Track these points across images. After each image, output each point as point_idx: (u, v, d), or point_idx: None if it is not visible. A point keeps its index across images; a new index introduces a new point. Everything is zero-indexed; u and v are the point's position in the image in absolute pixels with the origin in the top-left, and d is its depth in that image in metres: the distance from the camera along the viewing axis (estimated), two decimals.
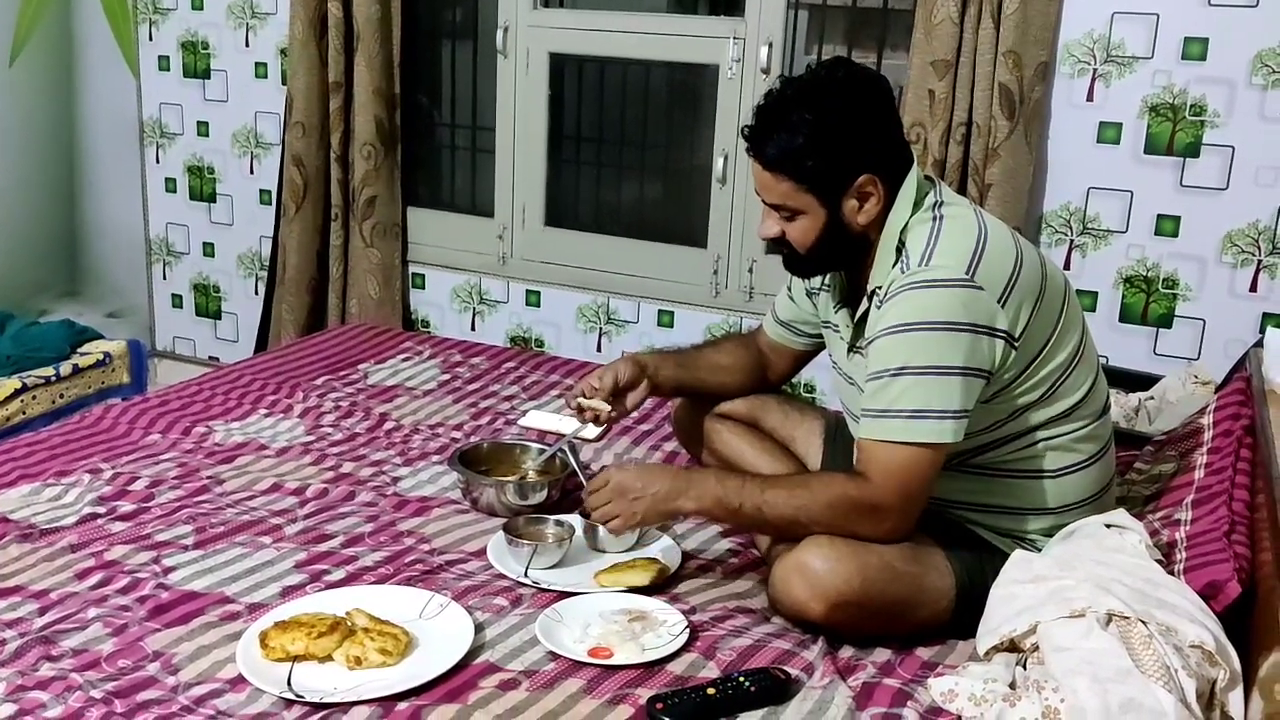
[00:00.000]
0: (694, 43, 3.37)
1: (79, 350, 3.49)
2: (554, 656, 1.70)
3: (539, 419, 2.65)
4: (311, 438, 2.50)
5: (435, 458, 2.42)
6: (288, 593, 1.86)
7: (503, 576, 1.93)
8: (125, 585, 1.85)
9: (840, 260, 1.91)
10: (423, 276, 3.82)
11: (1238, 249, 2.86)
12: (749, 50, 3.26)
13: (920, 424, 1.71)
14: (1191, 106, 2.83)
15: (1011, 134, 2.88)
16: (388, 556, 1.99)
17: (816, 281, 2.06)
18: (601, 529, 2.00)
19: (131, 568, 1.90)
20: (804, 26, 3.40)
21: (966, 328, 1.71)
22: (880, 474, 1.74)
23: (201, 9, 3.88)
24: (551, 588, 1.90)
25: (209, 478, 2.27)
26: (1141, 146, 2.90)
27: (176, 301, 4.22)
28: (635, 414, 2.32)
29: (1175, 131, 2.86)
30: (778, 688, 1.62)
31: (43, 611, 1.77)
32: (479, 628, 1.76)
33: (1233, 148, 2.81)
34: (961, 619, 1.77)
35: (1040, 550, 1.83)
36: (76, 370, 3.38)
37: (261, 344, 3.91)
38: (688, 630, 1.76)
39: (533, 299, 3.67)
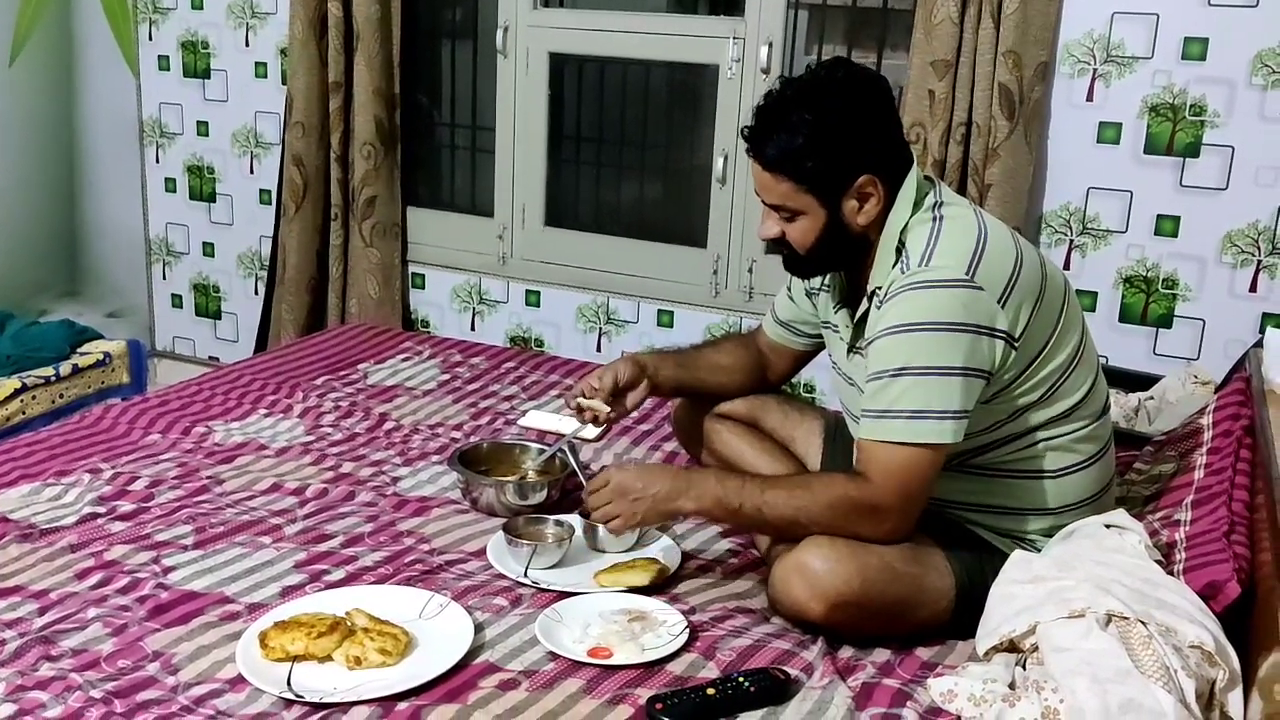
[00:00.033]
0: (694, 43, 3.37)
1: (79, 350, 3.49)
2: (554, 656, 1.70)
3: (539, 419, 2.65)
4: (311, 438, 2.50)
5: (435, 458, 2.42)
6: (287, 593, 1.86)
7: (502, 576, 1.94)
8: (125, 585, 1.85)
9: (840, 261, 1.91)
10: (422, 276, 3.82)
11: (1237, 249, 2.86)
12: (749, 50, 3.26)
13: (920, 424, 1.71)
14: (1191, 106, 2.83)
15: (1011, 134, 2.88)
16: (387, 556, 1.99)
17: (816, 282, 2.06)
18: (601, 529, 2.00)
19: (131, 568, 1.90)
20: (804, 26, 3.40)
21: (966, 328, 1.71)
22: (880, 474, 1.74)
23: (201, 9, 3.88)
24: (551, 588, 1.90)
25: (209, 478, 2.27)
26: (1141, 146, 2.90)
27: (176, 301, 4.22)
28: (635, 414, 2.32)
29: (1175, 131, 2.86)
30: (777, 688, 1.62)
31: (42, 611, 1.77)
32: (479, 628, 1.76)
33: (1232, 148, 2.81)
34: (961, 619, 1.77)
35: (1040, 550, 1.83)
36: (76, 370, 3.38)
37: (261, 344, 3.91)
38: (687, 630, 1.76)
39: (532, 299, 3.67)
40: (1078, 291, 2.21)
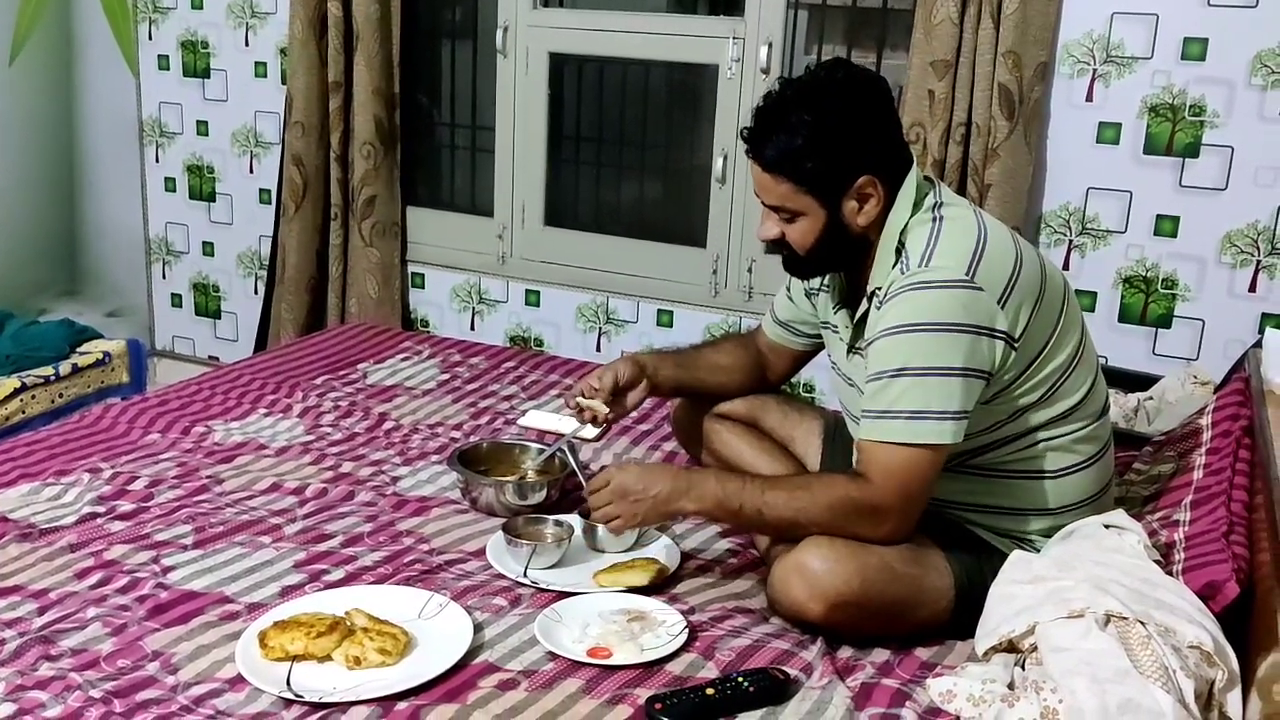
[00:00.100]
0: (694, 42, 3.37)
1: (78, 350, 3.49)
2: (553, 656, 1.70)
3: (538, 419, 2.65)
4: (311, 437, 2.51)
5: (434, 457, 2.42)
6: (287, 592, 1.86)
7: (502, 576, 1.94)
8: (124, 585, 1.85)
9: (840, 261, 1.92)
10: (422, 276, 3.82)
11: (1237, 249, 2.86)
12: (748, 50, 3.27)
13: (920, 425, 1.71)
14: (1191, 107, 2.83)
15: (1011, 134, 2.88)
16: (387, 556, 1.99)
17: (816, 282, 2.06)
18: (600, 529, 2.00)
19: (131, 567, 1.90)
20: (804, 26, 3.40)
21: (966, 328, 1.71)
22: (880, 475, 1.74)
23: (201, 8, 3.88)
24: (550, 588, 1.90)
25: (208, 477, 2.27)
26: (1141, 147, 2.90)
27: (176, 301, 4.22)
28: (635, 414, 2.32)
29: (1175, 132, 2.86)
30: (776, 688, 1.62)
31: (42, 611, 1.77)
32: (478, 627, 1.76)
33: (1232, 148, 2.81)
34: (960, 619, 1.78)
35: (1039, 551, 1.83)
36: (76, 370, 3.38)
37: (261, 343, 3.91)
38: (687, 630, 1.76)
39: (532, 298, 3.67)
40: (1077, 291, 2.22)
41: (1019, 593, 1.67)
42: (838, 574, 1.72)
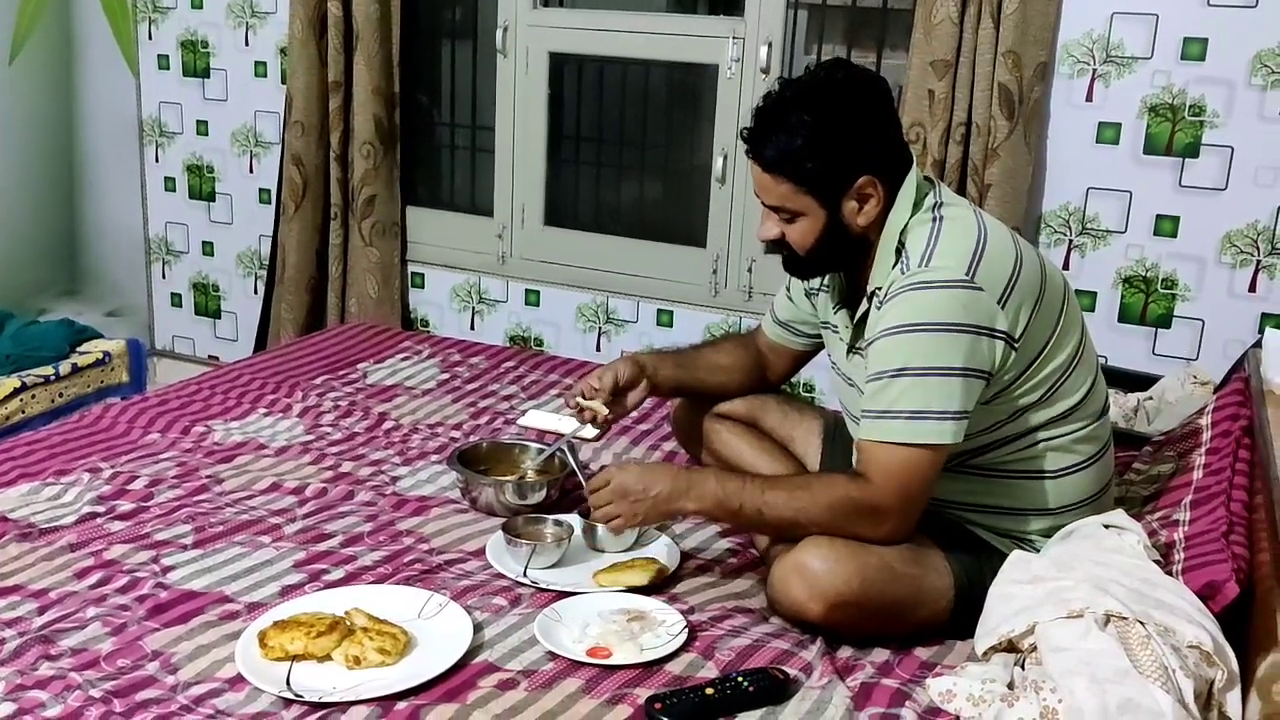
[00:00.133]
0: (693, 42, 3.37)
1: (78, 349, 3.48)
2: (553, 656, 1.70)
3: (538, 418, 2.65)
4: (311, 437, 2.51)
5: (434, 457, 2.42)
6: (287, 592, 1.86)
7: (501, 576, 1.94)
8: (124, 584, 1.85)
9: (840, 261, 1.92)
10: (422, 276, 3.82)
11: (1237, 249, 2.86)
12: (748, 50, 3.27)
13: (920, 425, 1.71)
14: (1191, 107, 2.83)
15: (1011, 134, 2.88)
16: (387, 556, 1.99)
17: (816, 282, 2.06)
18: (600, 528, 2.01)
19: (130, 567, 1.90)
20: (803, 26, 3.40)
21: (966, 328, 1.71)
22: (880, 475, 1.74)
23: (201, 8, 3.88)
24: (550, 587, 1.90)
25: (208, 477, 2.27)
26: (1141, 147, 2.90)
27: (176, 300, 4.22)
28: (635, 414, 2.32)
29: (1174, 132, 2.86)
30: (776, 688, 1.62)
31: (42, 611, 1.77)
32: (478, 627, 1.76)
33: (1232, 148, 2.81)
34: (960, 619, 1.78)
35: (1039, 551, 1.83)
36: (76, 369, 3.38)
37: (261, 343, 3.91)
38: (686, 630, 1.76)
39: (532, 298, 3.67)
40: (1077, 291, 2.22)
41: (1018, 593, 1.67)
42: (837, 574, 1.72)
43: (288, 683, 1.59)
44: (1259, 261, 2.84)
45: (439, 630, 1.73)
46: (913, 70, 2.97)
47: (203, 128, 3.99)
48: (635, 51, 3.50)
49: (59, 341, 3.45)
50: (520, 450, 2.35)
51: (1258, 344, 2.24)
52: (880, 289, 1.81)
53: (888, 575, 1.74)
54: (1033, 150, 2.93)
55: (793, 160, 1.78)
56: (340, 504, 2.19)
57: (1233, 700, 1.50)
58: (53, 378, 3.31)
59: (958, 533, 1.87)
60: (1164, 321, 2.96)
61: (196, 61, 3.94)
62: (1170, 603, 1.56)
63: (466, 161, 3.95)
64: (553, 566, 1.97)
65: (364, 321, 3.55)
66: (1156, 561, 1.71)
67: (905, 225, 1.81)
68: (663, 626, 1.77)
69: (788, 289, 2.17)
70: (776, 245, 1.90)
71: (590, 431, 2.19)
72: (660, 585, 1.92)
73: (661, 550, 2.02)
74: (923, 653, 1.76)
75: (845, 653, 1.74)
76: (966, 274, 1.73)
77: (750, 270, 3.39)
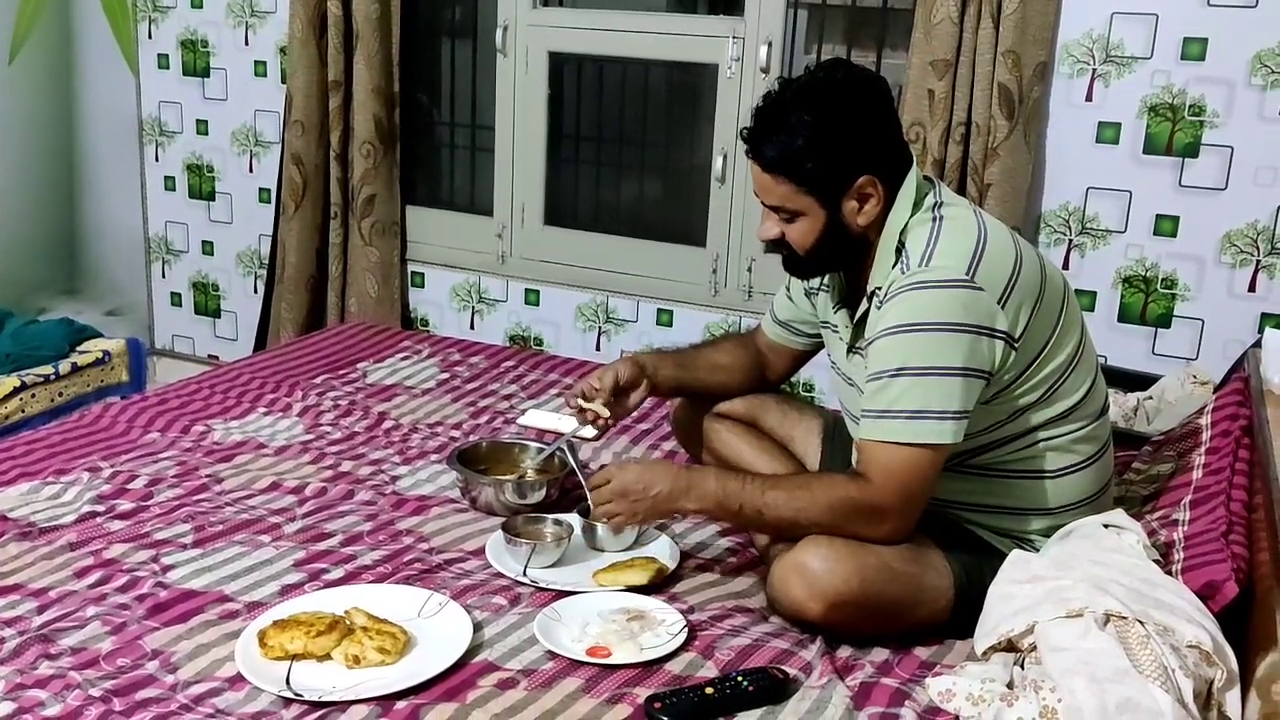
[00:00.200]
0: (693, 42, 3.37)
1: (78, 348, 3.48)
2: (552, 655, 1.70)
3: (538, 418, 2.65)
4: (310, 436, 2.51)
5: (434, 457, 2.42)
6: (286, 591, 1.86)
7: (501, 575, 1.94)
8: (124, 584, 1.85)
9: (840, 261, 1.92)
10: (422, 275, 3.82)
11: (1236, 249, 2.86)
12: (748, 49, 3.27)
13: (920, 424, 1.71)
14: (1190, 107, 2.83)
15: (1011, 134, 2.88)
16: (386, 555, 1.99)
17: (815, 282, 2.06)
18: (600, 528, 2.01)
19: (130, 566, 1.90)
20: (803, 26, 3.40)
21: (966, 328, 1.71)
22: (881, 475, 1.74)
23: (201, 7, 3.88)
24: (550, 587, 1.90)
25: (208, 476, 2.27)
26: (1140, 146, 2.90)
27: (175, 300, 4.22)
28: (634, 414, 2.31)
29: (1174, 131, 2.86)
30: (776, 687, 1.62)
31: (41, 610, 1.77)
32: (477, 627, 1.76)
33: (1231, 148, 2.81)
34: (960, 619, 1.78)
35: (1038, 550, 1.83)
36: (75, 368, 3.38)
37: (260, 342, 3.91)
38: (686, 629, 1.76)
39: (532, 298, 3.67)
40: (1077, 291, 2.22)
41: (1018, 592, 1.67)
42: (837, 573, 1.72)
43: (287, 682, 1.59)
44: (1259, 261, 2.84)
45: (439, 630, 1.73)
46: (913, 70, 2.97)
47: (203, 127, 3.99)
48: (635, 51, 3.50)
49: (59, 340, 3.45)
50: (520, 450, 2.35)
51: (1257, 344, 2.24)
52: (880, 289, 1.80)
53: (887, 575, 1.74)
54: (1032, 150, 2.93)
55: (793, 160, 1.78)
56: (340, 503, 2.19)
57: (1232, 700, 1.50)
58: (52, 377, 3.31)
59: (957, 532, 1.87)
60: (1164, 321, 2.97)
61: (196, 61, 3.94)
62: (1170, 602, 1.57)
63: (466, 161, 3.95)
64: (552, 566, 1.97)
65: (364, 321, 3.55)
66: (1156, 561, 1.71)
67: (905, 225, 1.81)
68: (662, 626, 1.77)
69: (787, 288, 2.17)
70: (776, 245, 1.90)
71: (590, 431, 2.19)
72: (660, 585, 1.92)
73: (661, 550, 2.02)
74: (922, 652, 1.76)
75: (845, 652, 1.74)
76: (966, 274, 1.73)
77: (750, 270, 3.39)
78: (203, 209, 4.07)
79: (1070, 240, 3.01)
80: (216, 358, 4.14)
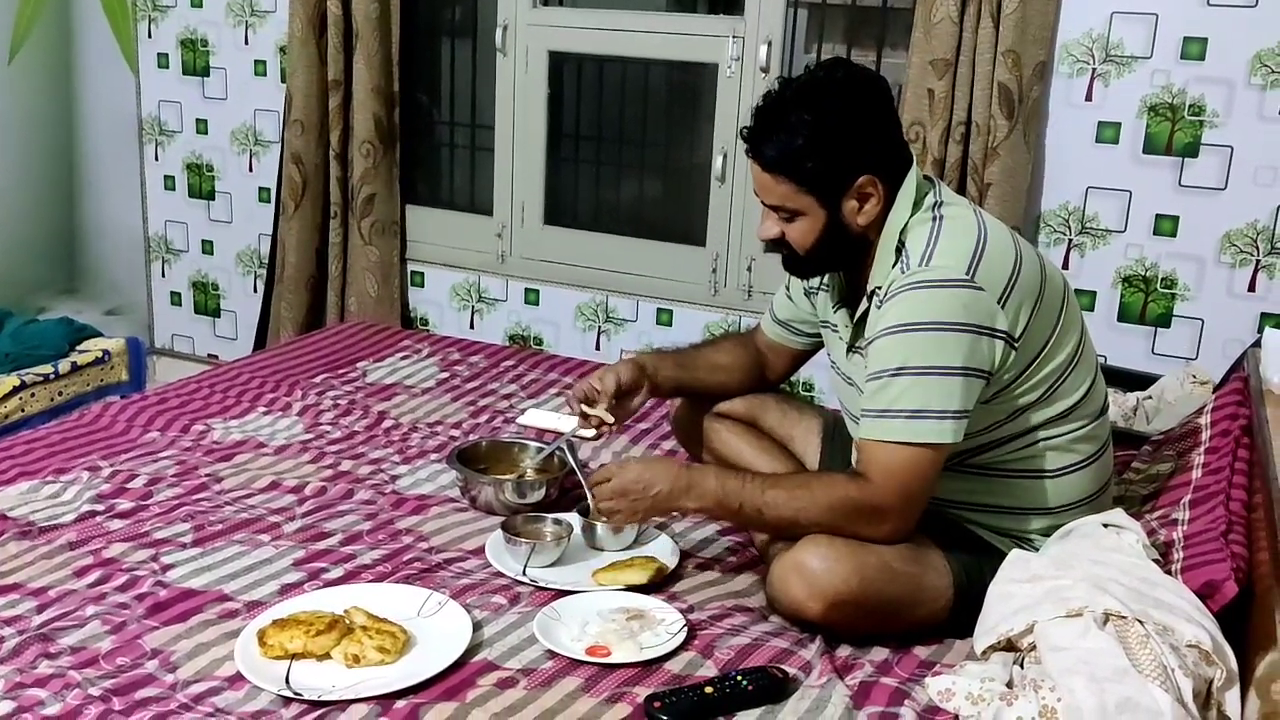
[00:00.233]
0: (693, 41, 3.37)
1: (78, 348, 3.49)
2: (552, 655, 1.70)
3: (537, 417, 2.65)
4: (310, 436, 2.51)
5: (434, 456, 2.42)
6: (286, 590, 1.86)
7: (501, 575, 1.94)
8: (124, 583, 1.85)
9: (840, 261, 1.91)
10: (421, 274, 3.82)
11: (1236, 249, 2.86)
12: (748, 49, 3.27)
13: (920, 424, 1.71)
14: (1190, 106, 2.83)
15: (1010, 133, 2.89)
16: (386, 555, 1.99)
17: (815, 281, 2.06)
18: (600, 527, 2.01)
19: (130, 565, 1.90)
20: (803, 25, 3.40)
21: (966, 328, 1.71)
22: (881, 474, 1.74)
23: (201, 6, 3.88)
24: (550, 586, 1.90)
25: (207, 475, 2.27)
26: (1140, 146, 2.90)
27: (175, 299, 4.22)
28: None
29: (1174, 131, 2.86)
30: (775, 686, 1.62)
31: (41, 609, 1.77)
32: (477, 626, 1.76)
33: (1231, 148, 2.81)
34: (959, 618, 1.78)
35: (1038, 550, 1.83)
36: (75, 368, 3.38)
37: (260, 342, 3.91)
38: (685, 629, 1.76)
39: (531, 297, 3.67)
40: (1076, 291, 2.22)
41: (1017, 591, 1.67)
42: (836, 573, 1.72)
43: (287, 681, 1.59)
44: (1258, 261, 2.85)
45: (438, 629, 1.73)
46: (912, 69, 2.97)
47: (202, 126, 3.99)
48: (635, 50, 3.50)
49: (58, 340, 3.45)
50: (519, 449, 2.35)
51: (1257, 343, 2.24)
52: (880, 288, 1.80)
53: (887, 574, 1.74)
54: (1032, 149, 2.93)
55: (793, 160, 1.78)
56: (339, 502, 2.19)
57: (1231, 699, 1.50)
58: (52, 376, 3.31)
59: (957, 532, 1.87)
60: (1163, 321, 2.97)
61: (196, 60, 3.94)
62: (1169, 602, 1.57)
63: (466, 160, 3.95)
64: (552, 565, 1.97)
65: (363, 320, 3.55)
66: (1155, 560, 1.71)
67: (905, 224, 1.81)
68: (662, 625, 1.77)
69: (787, 288, 2.17)
70: (776, 244, 1.90)
71: (589, 430, 2.19)
72: (659, 584, 1.92)
73: (661, 549, 2.03)
74: (922, 651, 1.76)
75: (844, 651, 1.74)
76: (966, 273, 1.73)
77: (750, 269, 3.39)
78: (202, 208, 4.07)
79: (1070, 240, 3.01)
80: (216, 357, 4.14)
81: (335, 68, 3.59)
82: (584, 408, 2.11)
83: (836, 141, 1.78)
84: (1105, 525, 1.78)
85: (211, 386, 2.75)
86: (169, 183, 4.10)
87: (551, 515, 2.09)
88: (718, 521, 2.11)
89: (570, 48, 3.58)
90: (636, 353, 2.23)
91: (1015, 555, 1.77)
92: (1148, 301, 2.97)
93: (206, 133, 3.99)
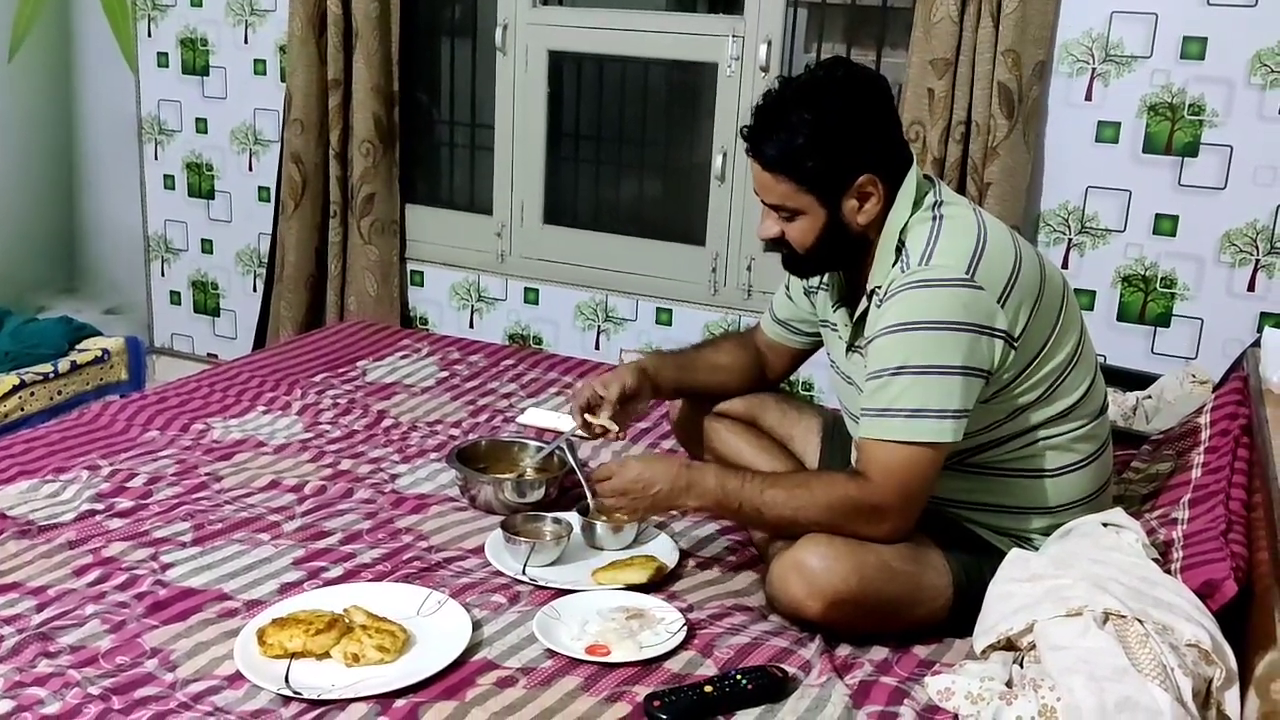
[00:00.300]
0: (693, 41, 3.37)
1: (77, 347, 3.49)
2: (551, 654, 1.70)
3: (537, 416, 2.65)
4: (310, 435, 2.51)
5: (433, 455, 2.42)
6: (285, 590, 1.86)
7: (500, 574, 1.94)
8: (123, 582, 1.85)
9: (840, 260, 1.91)
10: (421, 274, 3.82)
11: (1236, 248, 2.86)
12: (748, 48, 3.27)
13: (920, 423, 1.71)
14: (1190, 106, 2.83)
15: (1010, 133, 2.88)
16: (386, 554, 1.99)
17: (815, 280, 2.06)
18: (599, 526, 2.01)
19: (129, 564, 1.90)
20: (803, 25, 3.40)
21: (966, 327, 1.71)
22: (880, 474, 1.74)
23: (200, 6, 3.88)
24: (549, 585, 1.90)
25: (207, 474, 2.27)
26: (1140, 146, 2.90)
27: (175, 298, 4.22)
28: None
29: (1174, 131, 2.86)
30: (775, 686, 1.62)
31: (40, 608, 1.77)
32: (477, 625, 1.76)
33: (1231, 147, 2.81)
34: (959, 618, 1.78)
35: (1038, 549, 1.83)
36: (75, 367, 3.38)
37: (260, 341, 3.91)
38: (685, 628, 1.76)
39: (531, 296, 3.67)
40: (1076, 290, 2.21)
41: (1017, 591, 1.67)
42: (836, 572, 1.72)
43: (286, 680, 1.59)
44: (1258, 260, 2.85)
45: (438, 628, 1.73)
46: (912, 69, 2.97)
47: (202, 125, 3.99)
48: (635, 50, 3.50)
49: (58, 339, 3.45)
50: (519, 448, 2.35)
51: (1256, 343, 2.24)
52: (880, 287, 1.80)
53: (886, 573, 1.74)
54: (1032, 149, 2.93)
55: (793, 159, 1.78)
56: (339, 502, 2.19)
57: (1231, 698, 1.50)
58: (51, 375, 3.31)
59: (956, 531, 1.87)
60: (1163, 320, 2.97)
61: (196, 59, 3.94)
62: (1169, 601, 1.57)
63: (466, 159, 3.95)
64: (551, 564, 1.97)
65: (363, 319, 3.55)
66: (1155, 560, 1.71)
67: (905, 224, 1.81)
68: (661, 624, 1.77)
69: (787, 287, 2.17)
70: (776, 244, 1.90)
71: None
72: (659, 583, 1.92)
73: (660, 548, 2.03)
74: (921, 651, 1.76)
75: (844, 651, 1.75)
76: (966, 273, 1.73)
77: (749, 268, 3.39)
78: (202, 207, 4.07)
79: (1069, 239, 3.01)
80: (216, 356, 4.13)
81: (335, 67, 3.59)
82: (587, 415, 2.11)
83: (837, 140, 1.78)
84: (1105, 524, 1.78)
85: (211, 386, 2.75)
86: (169, 182, 4.09)
87: (551, 514, 2.09)
88: (717, 520, 2.11)
89: (570, 47, 3.58)
90: (637, 353, 2.23)
91: (1015, 554, 1.77)
92: (1147, 301, 2.97)
93: (206, 132, 3.99)
